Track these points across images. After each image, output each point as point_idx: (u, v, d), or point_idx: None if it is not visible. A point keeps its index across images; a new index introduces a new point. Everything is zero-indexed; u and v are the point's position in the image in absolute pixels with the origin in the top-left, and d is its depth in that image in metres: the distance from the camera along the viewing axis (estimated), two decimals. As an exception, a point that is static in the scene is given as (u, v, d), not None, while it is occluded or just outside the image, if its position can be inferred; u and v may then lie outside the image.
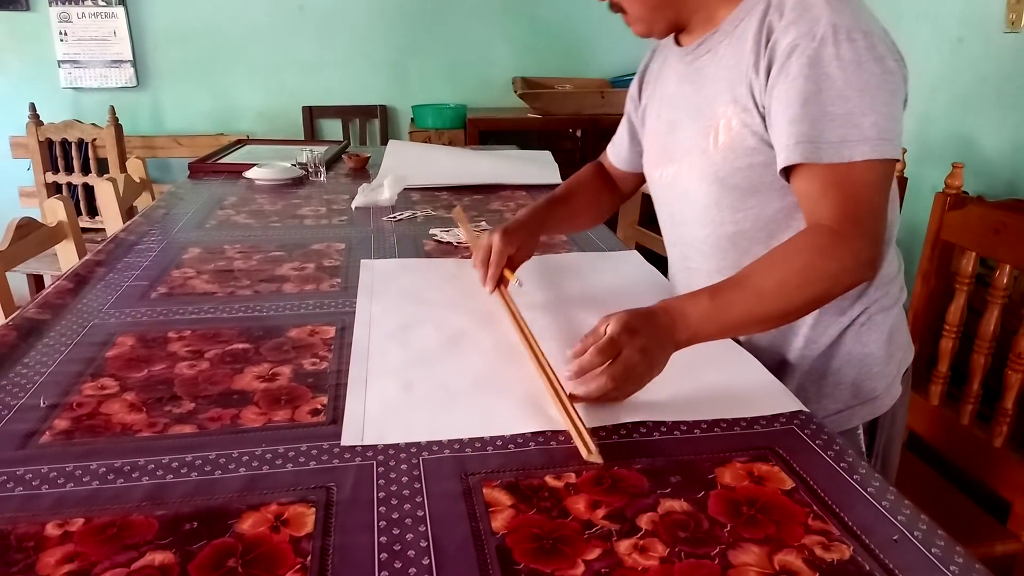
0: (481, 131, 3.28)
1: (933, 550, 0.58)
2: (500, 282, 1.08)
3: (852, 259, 0.81)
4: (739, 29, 0.91)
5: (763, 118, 0.89)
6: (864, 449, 1.02)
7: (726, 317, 0.82)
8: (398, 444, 0.72)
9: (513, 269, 1.09)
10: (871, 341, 0.98)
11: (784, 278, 0.82)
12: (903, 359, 1.04)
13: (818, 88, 0.82)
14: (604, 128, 3.26)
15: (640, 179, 1.25)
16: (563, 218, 1.23)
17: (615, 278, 1.22)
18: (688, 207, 1.03)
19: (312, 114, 3.53)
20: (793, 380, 0.99)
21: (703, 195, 0.98)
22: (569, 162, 2.65)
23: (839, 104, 0.81)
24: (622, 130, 1.24)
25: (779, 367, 1.00)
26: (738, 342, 0.97)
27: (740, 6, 0.92)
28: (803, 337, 0.99)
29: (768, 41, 0.86)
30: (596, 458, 0.69)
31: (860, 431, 1.01)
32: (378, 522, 0.61)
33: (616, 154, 1.27)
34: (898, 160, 0.85)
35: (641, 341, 0.77)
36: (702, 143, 0.96)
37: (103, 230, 2.11)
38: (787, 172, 0.87)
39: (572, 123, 3.37)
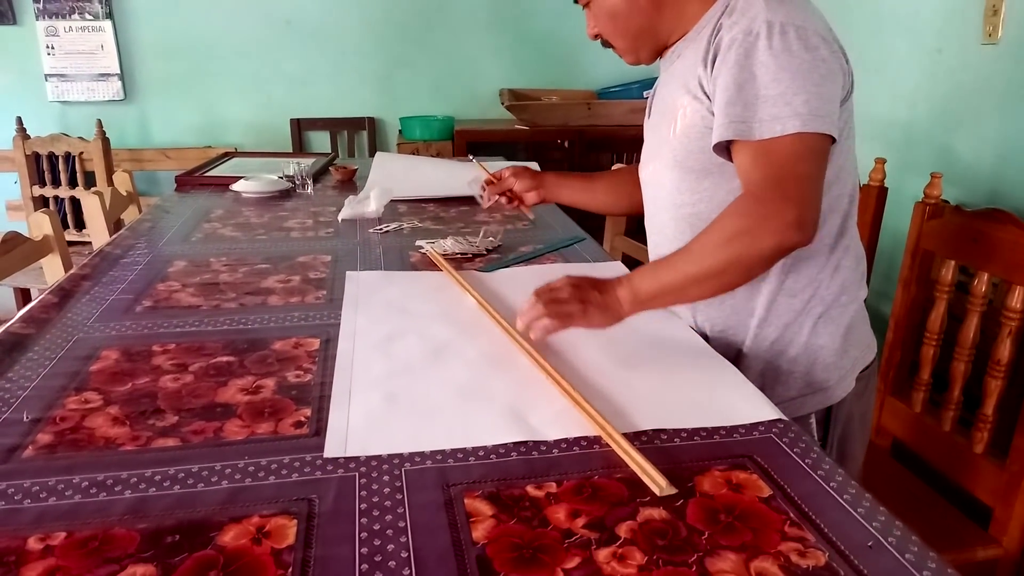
0: (469, 143, 3.29)
1: (907, 555, 0.59)
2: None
3: (772, 219, 0.86)
4: (700, 34, 1.00)
5: (711, 102, 0.96)
6: (817, 438, 1.05)
7: (661, 274, 0.92)
8: (380, 456, 0.72)
9: (509, 201, 1.38)
10: (826, 334, 1.03)
11: (707, 238, 0.89)
12: (860, 357, 1.07)
13: (752, 75, 0.90)
14: (591, 139, 3.28)
15: None
16: (580, 189, 1.40)
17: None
18: (658, 195, 1.11)
19: (300, 127, 3.53)
20: (753, 369, 1.03)
21: (667, 181, 1.07)
22: (556, 173, 2.65)
23: (772, 87, 0.88)
24: None
25: (737, 355, 1.04)
26: (705, 338, 1.03)
27: (704, 16, 1.01)
28: (758, 318, 1.03)
29: (716, 37, 0.95)
30: (670, 489, 0.67)
31: (812, 420, 1.04)
32: (359, 533, 0.61)
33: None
34: (832, 138, 0.90)
35: (574, 280, 0.92)
36: (666, 133, 1.05)
37: (90, 243, 2.11)
38: (727, 151, 0.95)
39: (559, 134, 3.39)
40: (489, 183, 1.40)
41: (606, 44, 1.10)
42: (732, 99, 0.91)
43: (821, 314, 1.02)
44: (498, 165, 2.36)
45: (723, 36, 0.94)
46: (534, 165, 2.26)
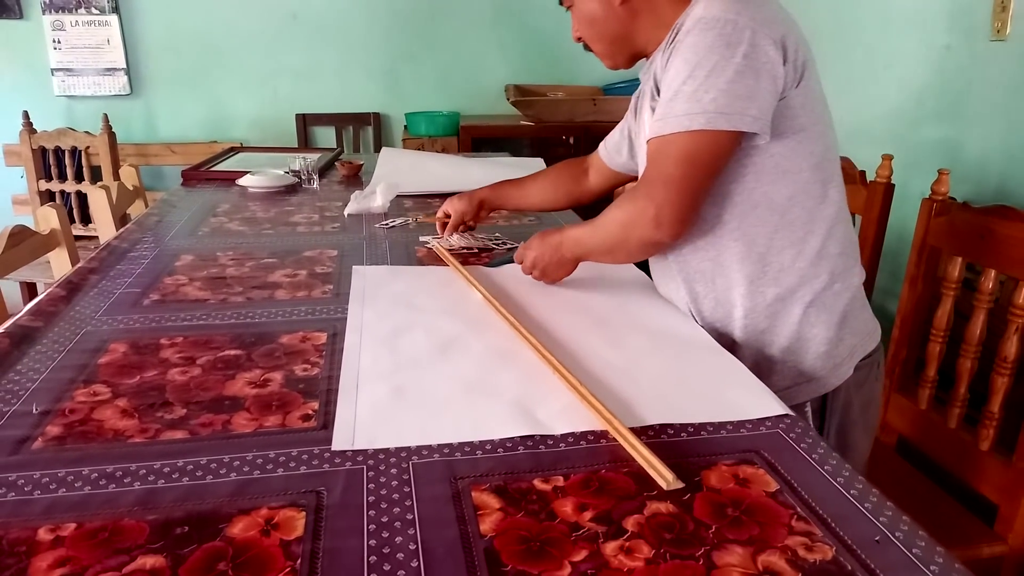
0: (474, 138, 3.29)
1: (914, 550, 0.59)
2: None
3: (641, 214, 0.98)
4: (667, 42, 1.02)
5: None
6: (813, 427, 1.05)
7: (581, 239, 1.10)
8: (388, 449, 0.73)
9: (466, 228, 1.45)
10: (819, 322, 1.03)
11: (605, 218, 1.05)
12: (859, 344, 1.07)
13: (676, 73, 0.95)
14: (597, 135, 3.24)
15: (615, 178, 1.39)
16: (516, 196, 1.46)
17: (599, 280, 1.23)
18: None
19: (306, 122, 3.54)
20: (746, 360, 1.02)
21: None
22: (561, 169, 2.64)
23: (689, 83, 0.93)
24: (618, 128, 1.33)
25: (730, 347, 1.04)
26: (695, 319, 1.05)
27: (675, 24, 1.02)
28: (742, 309, 1.04)
29: (672, 39, 0.99)
30: (677, 484, 0.67)
31: (808, 409, 1.05)
32: (368, 525, 0.62)
33: (603, 145, 1.38)
34: (748, 132, 0.94)
35: (531, 255, 1.17)
36: (641, 140, 1.09)
37: (96, 238, 2.12)
38: None
39: (565, 130, 3.39)
40: (443, 226, 1.45)
41: (587, 47, 1.13)
42: (662, 100, 0.96)
43: (811, 302, 1.02)
44: (502, 160, 2.37)
45: (676, 39, 0.98)
46: (539, 161, 2.27)
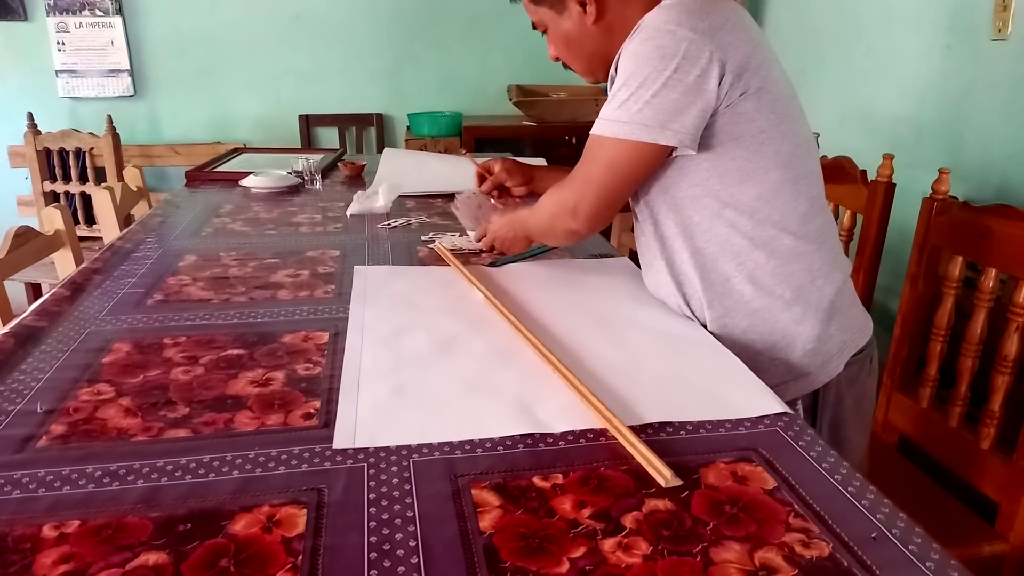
0: (477, 139, 3.30)
1: (910, 547, 0.59)
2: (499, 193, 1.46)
3: (564, 204, 1.07)
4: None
5: None
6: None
7: (525, 220, 1.20)
8: (389, 447, 0.73)
9: (499, 195, 1.45)
10: (805, 319, 1.03)
11: (541, 203, 1.14)
12: (850, 340, 1.07)
13: (618, 78, 0.98)
14: (599, 135, 3.27)
15: None
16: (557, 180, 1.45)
17: (599, 280, 1.23)
18: None
19: (309, 123, 3.55)
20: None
21: None
22: (563, 169, 2.65)
23: (622, 91, 0.97)
24: None
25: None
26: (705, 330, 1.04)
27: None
28: (721, 307, 1.05)
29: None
30: (675, 481, 0.68)
31: (799, 406, 1.05)
32: (368, 522, 0.62)
33: None
34: (665, 145, 0.96)
35: (495, 229, 1.28)
36: None
37: (100, 238, 2.13)
38: None
39: (567, 130, 3.39)
40: (480, 177, 1.47)
41: (566, 67, 1.16)
42: (607, 101, 1.01)
43: (792, 300, 1.02)
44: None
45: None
46: (542, 161, 2.27)
